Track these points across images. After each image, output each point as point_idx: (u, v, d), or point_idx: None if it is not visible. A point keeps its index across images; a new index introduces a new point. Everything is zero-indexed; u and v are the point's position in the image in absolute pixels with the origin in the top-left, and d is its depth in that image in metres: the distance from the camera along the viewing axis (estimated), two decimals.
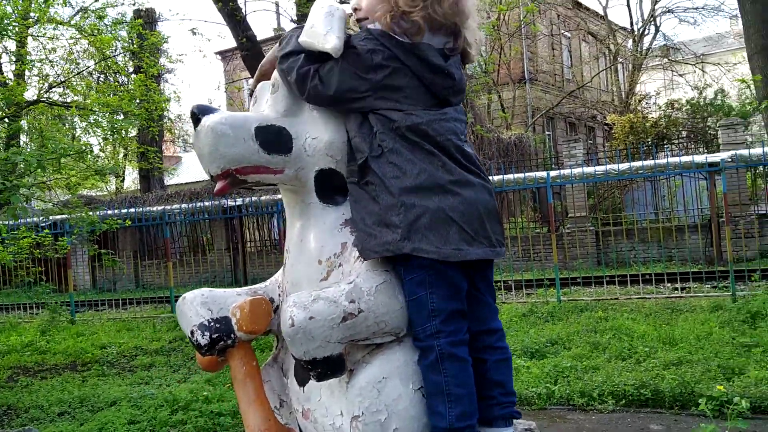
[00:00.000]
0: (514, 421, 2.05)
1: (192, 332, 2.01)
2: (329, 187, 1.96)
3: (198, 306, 2.02)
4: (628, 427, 5.21)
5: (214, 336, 1.99)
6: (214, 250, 20.13)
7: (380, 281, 1.81)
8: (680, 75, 29.06)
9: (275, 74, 1.99)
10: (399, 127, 1.89)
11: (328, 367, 1.78)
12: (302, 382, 2.00)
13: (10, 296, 15.96)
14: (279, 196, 18.61)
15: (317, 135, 1.92)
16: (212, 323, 2.00)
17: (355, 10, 2.01)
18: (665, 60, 29.07)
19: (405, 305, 1.84)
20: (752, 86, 9.38)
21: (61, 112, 13.53)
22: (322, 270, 1.91)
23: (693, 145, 17.75)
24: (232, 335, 2.02)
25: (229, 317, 2.03)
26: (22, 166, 5.07)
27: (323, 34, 1.84)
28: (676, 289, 11.51)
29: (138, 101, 10.96)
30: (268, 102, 1.99)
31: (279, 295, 2.12)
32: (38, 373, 8.59)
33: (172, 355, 9.19)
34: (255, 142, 1.87)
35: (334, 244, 1.92)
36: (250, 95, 2.10)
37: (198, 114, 1.85)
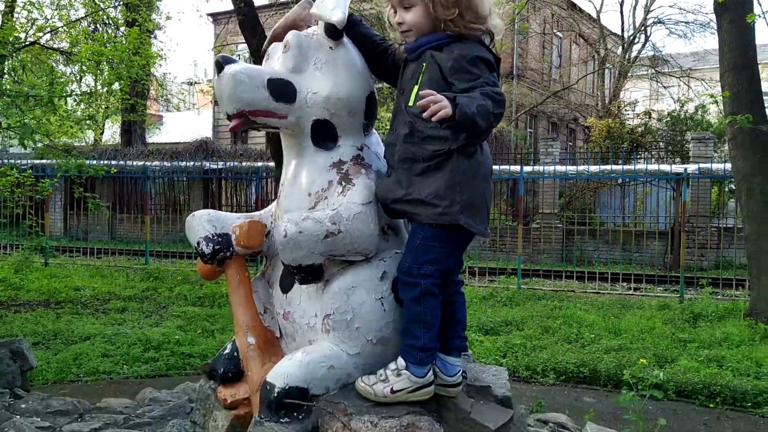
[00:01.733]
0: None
1: (198, 243, 2.42)
2: (323, 134, 2.35)
3: (204, 222, 2.44)
4: (564, 397, 5.72)
5: (216, 247, 2.42)
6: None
7: (357, 211, 2.21)
8: (665, 87, 29.63)
9: (287, 37, 2.35)
10: None
11: (309, 274, 2.21)
12: (285, 290, 2.43)
13: None
14: (258, 164, 18.53)
15: (317, 90, 2.30)
16: (215, 237, 2.42)
17: (399, 24, 2.26)
18: (651, 70, 29.56)
19: (375, 233, 2.24)
20: (720, 102, 9.85)
21: (50, 57, 13.48)
22: (310, 201, 2.32)
23: (670, 156, 18.25)
24: (231, 248, 2.45)
25: (229, 234, 2.45)
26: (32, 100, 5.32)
27: (331, 8, 2.22)
28: (630, 288, 12.05)
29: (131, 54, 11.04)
30: (279, 59, 2.37)
31: (271, 222, 2.53)
32: (11, 307, 8.80)
33: (145, 302, 9.48)
34: (266, 91, 2.25)
35: (322, 181, 2.32)
36: (263, 54, 2.46)
37: (222, 63, 2.23)
